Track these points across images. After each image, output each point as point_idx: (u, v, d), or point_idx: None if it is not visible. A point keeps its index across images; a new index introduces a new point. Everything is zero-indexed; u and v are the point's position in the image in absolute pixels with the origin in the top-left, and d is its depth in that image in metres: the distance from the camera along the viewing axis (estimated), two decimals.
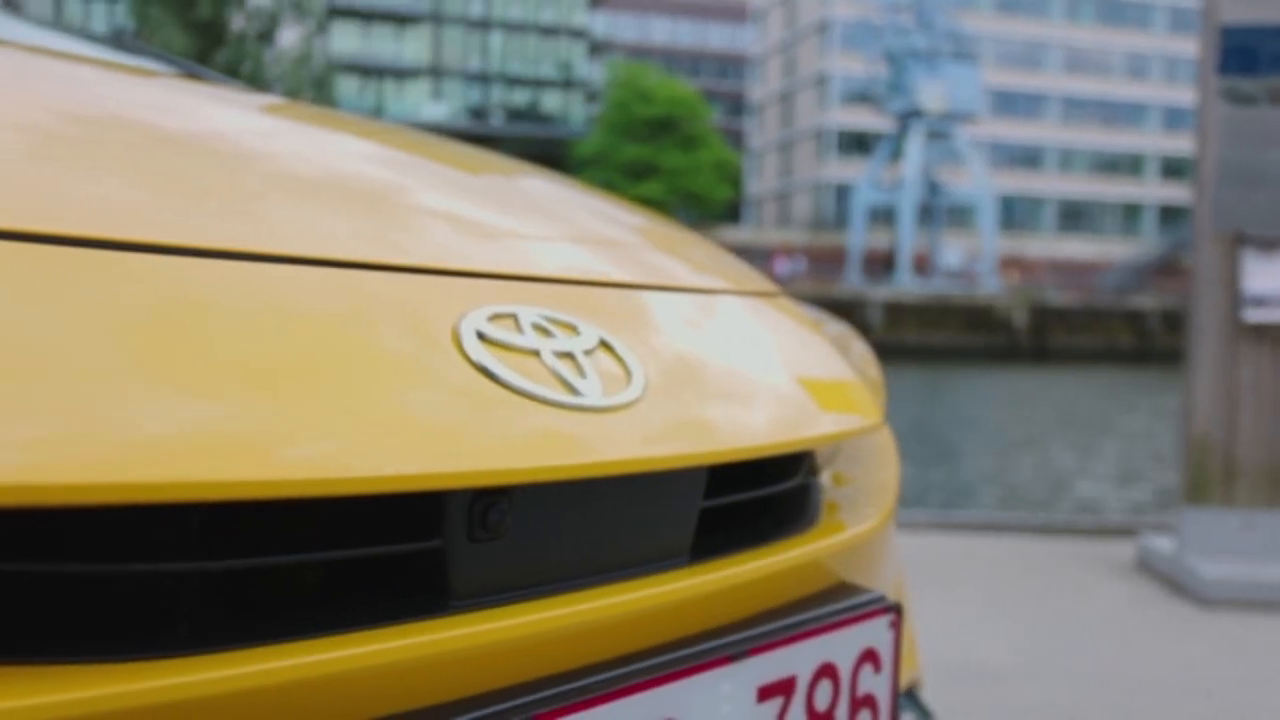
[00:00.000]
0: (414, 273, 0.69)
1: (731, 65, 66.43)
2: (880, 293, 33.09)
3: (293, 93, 25.81)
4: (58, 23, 1.51)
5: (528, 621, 0.63)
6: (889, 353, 29.73)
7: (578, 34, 56.50)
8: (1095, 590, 3.78)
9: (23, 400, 0.46)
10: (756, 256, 44.90)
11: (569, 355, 0.69)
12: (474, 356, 0.64)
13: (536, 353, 0.67)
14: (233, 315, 0.57)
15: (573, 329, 0.72)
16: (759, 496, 0.86)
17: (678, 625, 0.73)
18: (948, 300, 33.13)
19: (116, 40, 1.44)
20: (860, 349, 1.22)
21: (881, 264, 45.03)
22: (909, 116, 43.52)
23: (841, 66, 53.87)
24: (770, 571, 0.80)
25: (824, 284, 36.40)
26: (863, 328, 31.06)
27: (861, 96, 50.91)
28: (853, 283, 38.52)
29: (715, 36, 65.33)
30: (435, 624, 0.59)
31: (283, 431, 0.53)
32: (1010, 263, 47.62)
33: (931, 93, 42.74)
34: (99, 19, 38.36)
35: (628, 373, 0.72)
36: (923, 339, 31.32)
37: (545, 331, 0.70)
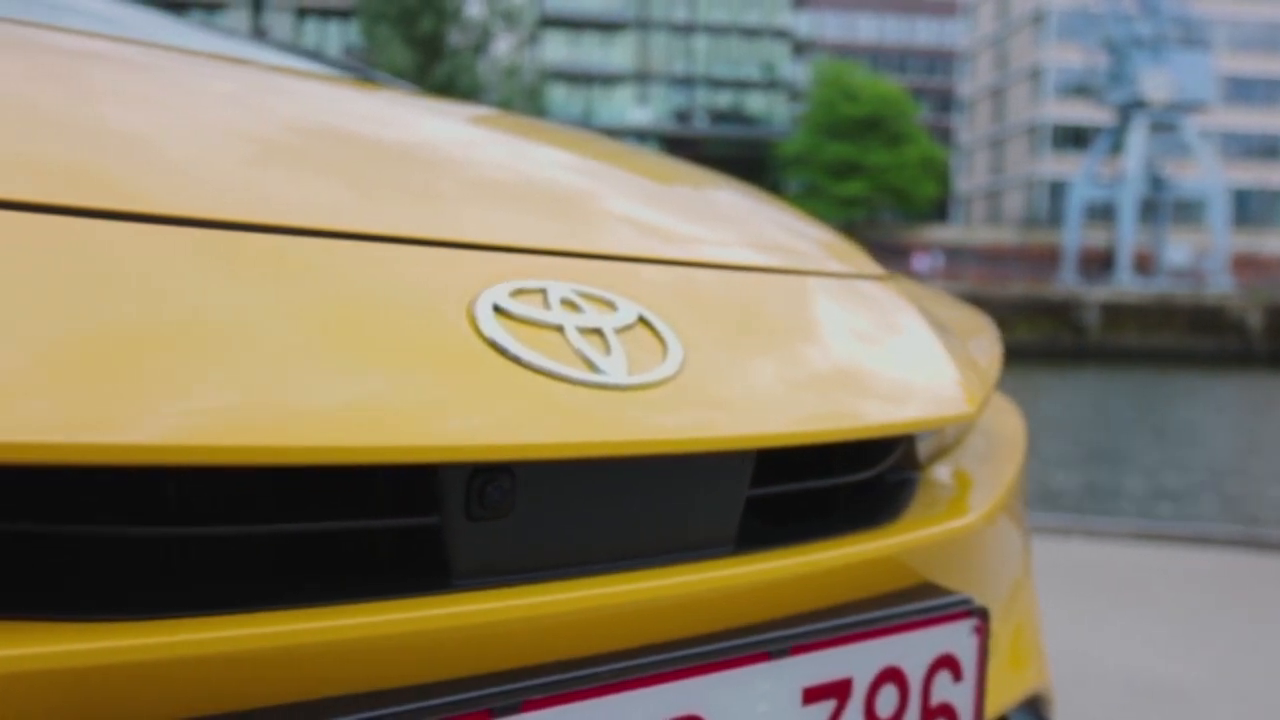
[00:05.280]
0: (437, 246, 0.69)
1: (940, 60, 64.68)
2: (1097, 293, 31.57)
3: (506, 102, 26.82)
4: (295, 44, 1.77)
5: (535, 604, 0.61)
6: (1106, 356, 28.43)
7: (781, 34, 56.28)
8: None
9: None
10: (967, 255, 43.65)
11: (596, 331, 0.67)
12: (486, 331, 0.62)
13: (559, 328, 0.66)
14: (243, 288, 0.58)
15: (609, 305, 0.70)
16: (826, 486, 0.83)
17: (721, 618, 0.69)
18: (1172, 300, 31.29)
19: (336, 60, 1.66)
20: (984, 338, 1.17)
21: (1099, 263, 42.92)
22: (1131, 108, 41.29)
23: (1057, 58, 51.67)
24: (828, 566, 0.76)
25: (1036, 284, 35.04)
26: (1077, 330, 29.80)
27: (1079, 89, 48.75)
28: (1067, 283, 36.91)
29: (923, 32, 63.77)
30: (431, 601, 0.58)
31: (267, 401, 0.53)
32: (1245, 261, 44.51)
33: (1156, 82, 40.45)
34: (334, 38, 40.89)
35: (664, 351, 0.70)
36: (1144, 342, 29.70)
37: (574, 307, 0.68)
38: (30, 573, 0.53)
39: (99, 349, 0.50)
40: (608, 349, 0.67)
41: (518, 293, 0.67)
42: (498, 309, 0.64)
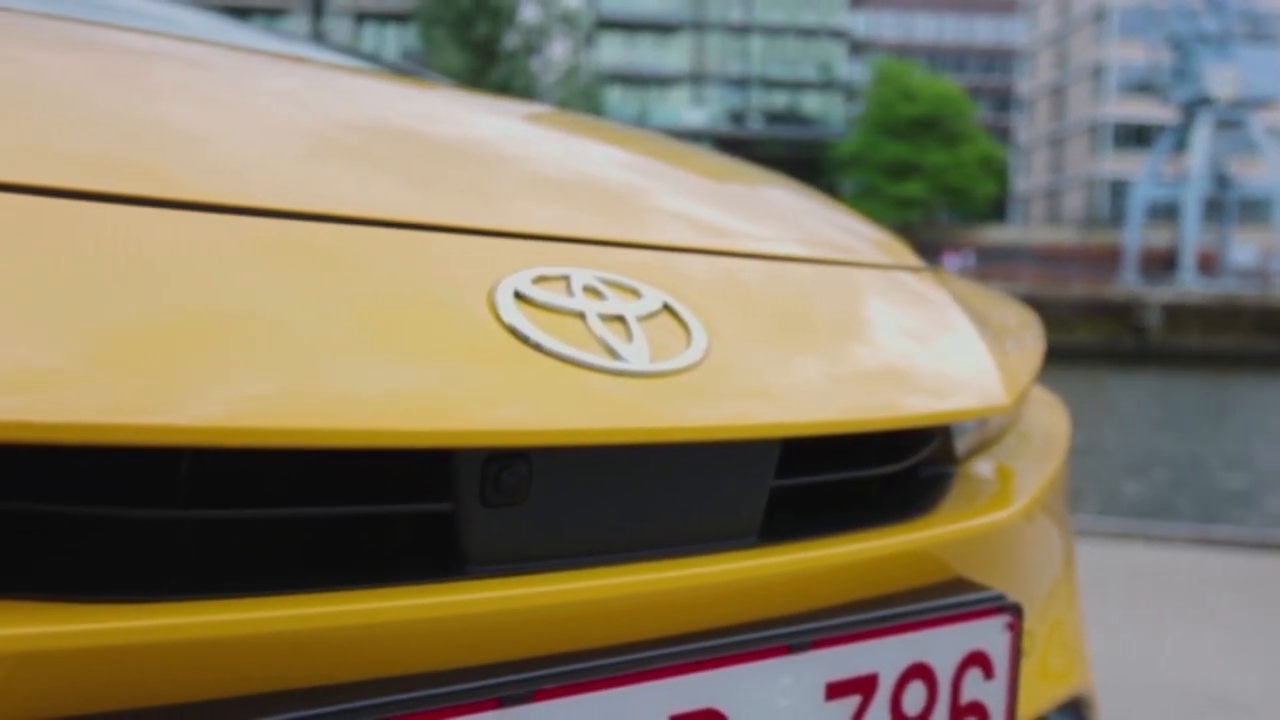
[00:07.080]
0: (461, 234, 0.68)
1: (999, 59, 63.88)
2: (1159, 294, 30.96)
3: (563, 104, 26.93)
4: (354, 47, 1.81)
5: (549, 592, 0.60)
6: (1168, 358, 27.87)
7: (838, 34, 55.96)
8: None
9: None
10: (1026, 256, 43.06)
11: (619, 319, 0.66)
12: (505, 317, 0.62)
13: (581, 315, 0.65)
14: (250, 271, 0.58)
15: (633, 292, 0.69)
16: (854, 478, 0.81)
17: (744, 611, 0.68)
18: (1237, 301, 30.62)
19: (392, 62, 1.68)
20: (1027, 332, 1.15)
21: (1162, 264, 42.13)
22: (1196, 105, 40.43)
23: (1119, 55, 50.80)
24: (855, 560, 0.74)
25: (1097, 285, 34.48)
26: (1139, 331, 29.26)
27: (1141, 86, 47.80)
28: (1128, 283, 36.28)
29: (981, 31, 63.03)
30: (444, 588, 0.57)
31: (278, 384, 0.52)
32: None
33: (1222, 78, 39.61)
34: (391, 42, 41.41)
35: (688, 339, 0.69)
36: (1207, 343, 29.08)
37: (597, 294, 0.67)
38: (47, 555, 0.53)
39: (122, 335, 0.50)
40: (630, 336, 0.66)
41: (540, 279, 0.66)
42: (519, 295, 0.64)
